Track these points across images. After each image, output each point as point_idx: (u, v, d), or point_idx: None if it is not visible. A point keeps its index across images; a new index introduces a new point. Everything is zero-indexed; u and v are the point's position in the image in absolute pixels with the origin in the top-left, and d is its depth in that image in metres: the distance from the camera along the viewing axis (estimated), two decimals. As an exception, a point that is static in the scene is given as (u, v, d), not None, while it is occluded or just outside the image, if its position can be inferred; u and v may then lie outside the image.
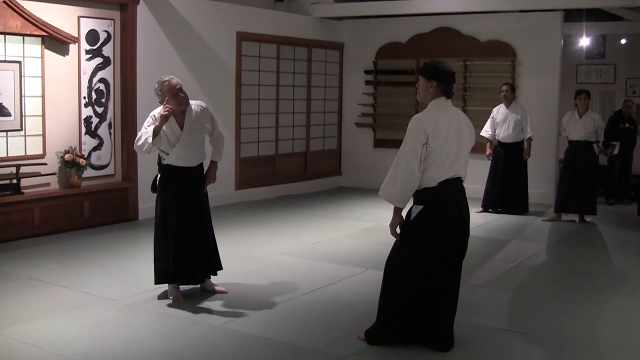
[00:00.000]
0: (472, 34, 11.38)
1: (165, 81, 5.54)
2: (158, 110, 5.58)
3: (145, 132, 5.50)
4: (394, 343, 4.70)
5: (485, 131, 9.92)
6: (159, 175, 5.72)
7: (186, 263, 5.63)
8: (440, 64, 4.65)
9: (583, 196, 9.25)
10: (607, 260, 7.54)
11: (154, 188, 5.78)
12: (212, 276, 5.93)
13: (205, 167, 5.86)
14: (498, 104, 9.99)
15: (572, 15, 11.75)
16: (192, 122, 5.62)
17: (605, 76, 13.74)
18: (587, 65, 13.69)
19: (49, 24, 7.84)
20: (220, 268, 5.95)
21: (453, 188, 4.59)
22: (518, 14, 11.01)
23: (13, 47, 7.66)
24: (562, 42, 10.95)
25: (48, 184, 8.13)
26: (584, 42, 13.46)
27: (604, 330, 5.24)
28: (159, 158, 5.69)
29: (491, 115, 9.97)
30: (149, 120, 5.59)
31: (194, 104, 5.72)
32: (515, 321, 5.38)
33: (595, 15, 11.98)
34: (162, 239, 5.67)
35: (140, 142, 5.51)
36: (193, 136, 5.63)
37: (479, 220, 9.17)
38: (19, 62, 7.73)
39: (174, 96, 5.50)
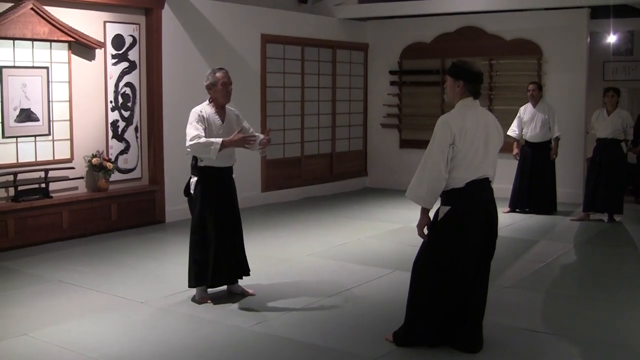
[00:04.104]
0: (497, 32, 11.30)
1: (220, 68, 5.74)
2: (202, 108, 5.63)
3: (202, 135, 5.46)
4: (422, 344, 4.68)
5: (512, 131, 9.83)
6: (194, 179, 5.69)
7: (225, 267, 5.67)
8: (467, 64, 4.64)
9: (609, 195, 9.13)
10: (637, 260, 7.43)
11: (187, 191, 5.78)
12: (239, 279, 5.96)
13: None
14: (524, 103, 9.90)
15: (598, 12, 11.63)
16: (228, 121, 5.75)
17: (634, 73, 13.53)
18: (615, 62, 13.52)
19: (76, 30, 7.91)
20: (248, 269, 5.97)
21: (481, 188, 4.56)
22: (543, 11, 10.91)
23: (41, 53, 7.74)
24: (588, 39, 10.83)
25: (76, 188, 8.20)
26: (611, 38, 13.30)
27: (637, 332, 5.15)
28: (194, 161, 5.67)
29: (518, 114, 9.88)
30: (195, 116, 5.57)
31: (229, 108, 5.85)
32: (545, 322, 5.32)
33: (622, 11, 11.84)
34: (200, 242, 5.67)
35: (195, 144, 5.43)
36: (230, 135, 5.66)
37: (506, 220, 9.10)
38: (47, 68, 7.81)
39: (224, 85, 5.67)
